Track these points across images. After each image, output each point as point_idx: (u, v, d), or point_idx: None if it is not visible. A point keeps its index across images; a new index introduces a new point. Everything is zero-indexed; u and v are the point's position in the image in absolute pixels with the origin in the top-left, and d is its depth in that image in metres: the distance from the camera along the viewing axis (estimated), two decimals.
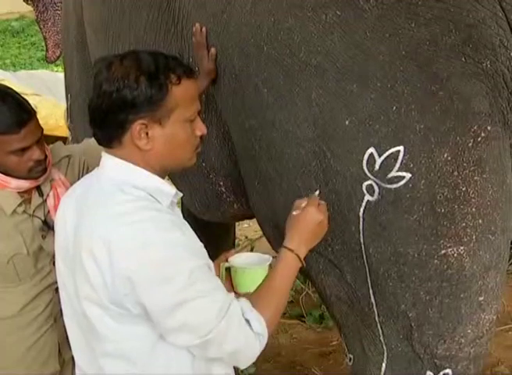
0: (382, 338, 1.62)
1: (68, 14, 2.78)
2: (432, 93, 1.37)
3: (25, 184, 1.72)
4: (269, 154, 1.63)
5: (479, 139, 1.40)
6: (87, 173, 1.87)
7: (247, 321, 1.29)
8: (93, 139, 1.97)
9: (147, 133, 1.27)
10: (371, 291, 1.57)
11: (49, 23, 3.71)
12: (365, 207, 1.48)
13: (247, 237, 4.27)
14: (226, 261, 1.54)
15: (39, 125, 1.68)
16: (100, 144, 1.35)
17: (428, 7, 1.34)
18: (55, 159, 1.82)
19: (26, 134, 1.62)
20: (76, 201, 1.36)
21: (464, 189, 1.42)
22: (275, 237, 1.79)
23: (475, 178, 1.42)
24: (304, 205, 1.42)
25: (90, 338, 1.33)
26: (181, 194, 1.40)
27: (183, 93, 1.28)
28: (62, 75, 3.03)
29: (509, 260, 1.60)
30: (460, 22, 1.34)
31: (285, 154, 1.58)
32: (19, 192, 1.73)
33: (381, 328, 1.61)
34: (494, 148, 1.43)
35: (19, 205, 1.73)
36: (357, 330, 1.68)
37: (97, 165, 1.95)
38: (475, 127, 1.39)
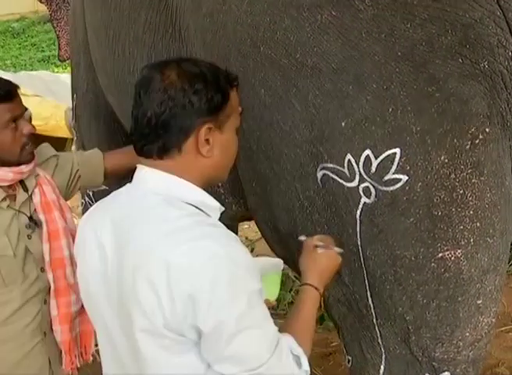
0: (380, 340, 1.61)
1: (76, 15, 2.76)
2: (428, 94, 1.36)
3: (9, 174, 1.66)
4: (267, 155, 1.61)
5: (477, 141, 1.38)
6: (77, 182, 1.86)
7: (297, 357, 1.24)
8: (90, 152, 1.96)
9: (207, 141, 1.21)
10: (368, 294, 1.56)
11: (62, 22, 3.74)
12: (362, 209, 1.47)
13: (247, 238, 4.23)
14: None
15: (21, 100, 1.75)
16: (148, 156, 1.23)
17: (423, 7, 1.32)
18: (42, 158, 1.78)
19: (16, 104, 1.68)
20: (112, 220, 1.25)
21: (461, 192, 1.40)
22: (274, 238, 1.78)
23: (473, 181, 1.40)
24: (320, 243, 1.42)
25: (137, 368, 1.23)
26: (223, 209, 1.31)
27: (235, 99, 1.25)
28: (62, 76, 3.03)
29: (508, 261, 1.59)
30: (457, 22, 1.32)
31: (282, 155, 1.57)
32: (2, 187, 1.67)
33: (379, 330, 1.60)
34: (492, 150, 1.41)
35: (3, 199, 1.66)
36: (356, 331, 1.67)
37: (91, 179, 1.91)
38: (473, 129, 1.38)
